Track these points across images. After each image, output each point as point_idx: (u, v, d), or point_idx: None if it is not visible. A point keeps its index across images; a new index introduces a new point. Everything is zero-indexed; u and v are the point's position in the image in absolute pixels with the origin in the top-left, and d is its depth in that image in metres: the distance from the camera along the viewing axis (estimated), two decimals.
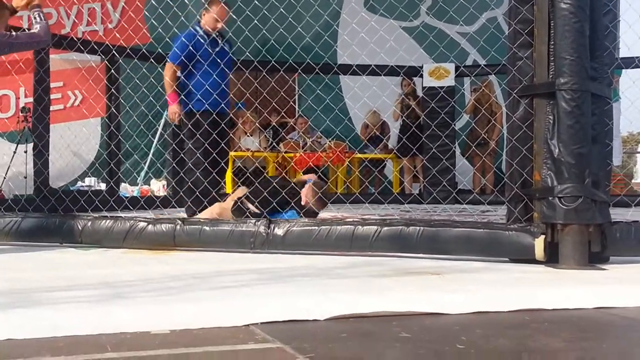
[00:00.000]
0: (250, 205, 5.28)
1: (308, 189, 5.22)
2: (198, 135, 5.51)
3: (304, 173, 6.85)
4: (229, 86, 5.83)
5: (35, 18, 4.16)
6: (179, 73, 5.67)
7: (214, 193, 5.57)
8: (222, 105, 5.62)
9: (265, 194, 4.93)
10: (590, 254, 3.38)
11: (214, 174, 5.50)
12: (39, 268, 3.37)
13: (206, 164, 5.42)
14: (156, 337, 2.03)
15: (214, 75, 5.50)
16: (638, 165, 19.49)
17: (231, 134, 5.96)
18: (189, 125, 5.65)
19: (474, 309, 2.40)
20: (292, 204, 5.13)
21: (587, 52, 3.48)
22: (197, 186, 5.53)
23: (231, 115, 5.84)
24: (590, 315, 2.42)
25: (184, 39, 5.69)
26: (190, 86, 5.67)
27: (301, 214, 5.05)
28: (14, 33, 4.18)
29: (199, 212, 5.48)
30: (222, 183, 5.74)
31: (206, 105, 5.55)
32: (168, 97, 5.81)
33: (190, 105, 5.68)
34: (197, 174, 5.49)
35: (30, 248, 4.15)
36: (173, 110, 5.75)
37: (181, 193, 5.77)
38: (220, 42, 5.74)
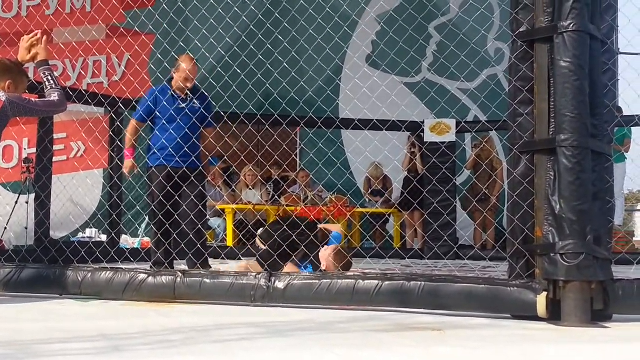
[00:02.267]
0: (259, 243, 5.27)
1: (329, 257, 5.10)
2: (153, 189, 5.64)
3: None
4: (199, 141, 5.83)
5: (49, 80, 4.17)
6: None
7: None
8: (177, 159, 5.57)
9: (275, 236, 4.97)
10: (593, 311, 3.36)
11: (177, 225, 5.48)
12: (38, 319, 3.36)
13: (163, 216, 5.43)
14: None
15: (172, 131, 5.55)
16: (639, 223, 19.45)
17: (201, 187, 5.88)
18: (145, 180, 5.81)
19: None
20: (311, 257, 5.09)
21: (587, 110, 3.51)
22: (153, 239, 5.65)
23: (190, 170, 5.72)
24: None
25: (145, 96, 5.85)
26: (149, 142, 5.83)
27: (320, 269, 5.01)
28: (32, 99, 4.21)
29: (156, 264, 5.57)
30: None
31: (161, 160, 5.62)
32: (125, 151, 5.96)
33: (146, 160, 5.84)
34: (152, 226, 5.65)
35: (30, 299, 4.12)
36: (126, 165, 5.91)
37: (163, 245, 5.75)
38: (188, 98, 5.74)
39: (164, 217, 5.45)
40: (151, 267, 5.54)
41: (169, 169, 5.59)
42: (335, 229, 5.80)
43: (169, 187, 5.58)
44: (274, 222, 5.90)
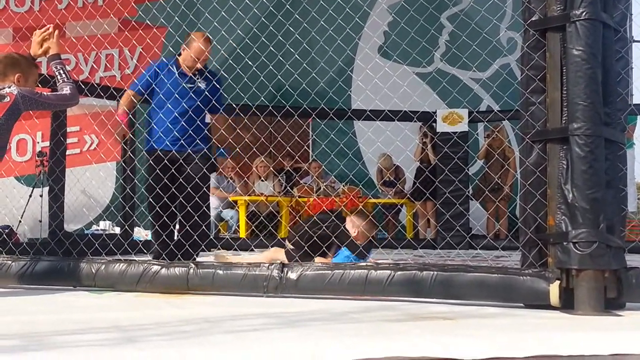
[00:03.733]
0: (288, 243, 5.27)
1: (352, 219, 5.22)
2: (148, 176, 5.35)
3: None
4: (205, 126, 5.49)
5: (60, 74, 4.18)
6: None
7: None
8: (182, 142, 5.28)
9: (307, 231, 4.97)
10: (606, 299, 3.35)
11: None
12: (51, 311, 3.37)
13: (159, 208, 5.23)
14: None
15: (174, 112, 5.26)
16: None
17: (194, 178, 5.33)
18: (142, 168, 5.59)
19: (488, 355, 2.37)
20: (337, 242, 5.12)
21: (600, 98, 3.49)
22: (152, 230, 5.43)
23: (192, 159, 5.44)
24: None
25: (145, 71, 5.53)
26: (150, 123, 5.50)
27: (357, 251, 5.06)
28: (45, 93, 4.22)
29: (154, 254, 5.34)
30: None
31: (164, 142, 5.32)
32: (118, 116, 5.55)
33: (146, 147, 5.54)
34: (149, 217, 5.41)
35: (44, 291, 4.15)
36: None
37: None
38: (196, 79, 5.44)
39: (162, 207, 5.21)
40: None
41: (173, 151, 5.32)
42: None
43: (176, 172, 5.24)
44: (300, 225, 5.70)
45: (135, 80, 5.58)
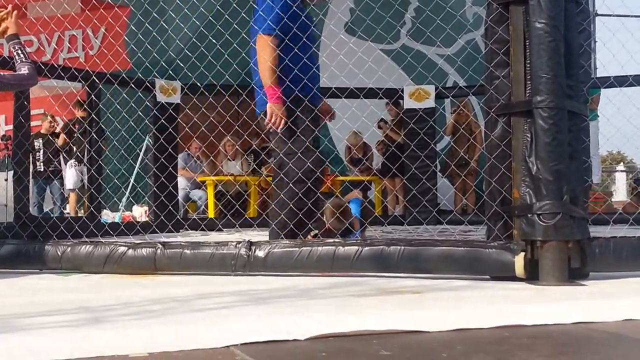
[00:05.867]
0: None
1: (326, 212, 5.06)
2: (298, 132, 4.22)
3: None
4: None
5: (19, 54, 4.12)
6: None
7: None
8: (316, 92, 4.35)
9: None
10: (570, 270, 3.40)
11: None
12: (17, 294, 3.34)
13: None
14: None
15: (303, 53, 4.20)
16: (617, 183, 19.64)
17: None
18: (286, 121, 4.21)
19: (454, 326, 2.40)
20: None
21: (563, 71, 3.53)
22: (297, 202, 4.28)
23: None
24: (569, 330, 2.43)
25: (277, 9, 4.20)
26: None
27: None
28: (1, 73, 4.15)
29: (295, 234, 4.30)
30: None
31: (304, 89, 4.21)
32: (267, 89, 4.20)
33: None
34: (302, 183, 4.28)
35: (9, 275, 4.10)
36: (274, 111, 4.17)
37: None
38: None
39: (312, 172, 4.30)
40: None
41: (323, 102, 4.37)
42: (353, 196, 5.85)
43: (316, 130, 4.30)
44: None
45: (271, 22, 4.24)
